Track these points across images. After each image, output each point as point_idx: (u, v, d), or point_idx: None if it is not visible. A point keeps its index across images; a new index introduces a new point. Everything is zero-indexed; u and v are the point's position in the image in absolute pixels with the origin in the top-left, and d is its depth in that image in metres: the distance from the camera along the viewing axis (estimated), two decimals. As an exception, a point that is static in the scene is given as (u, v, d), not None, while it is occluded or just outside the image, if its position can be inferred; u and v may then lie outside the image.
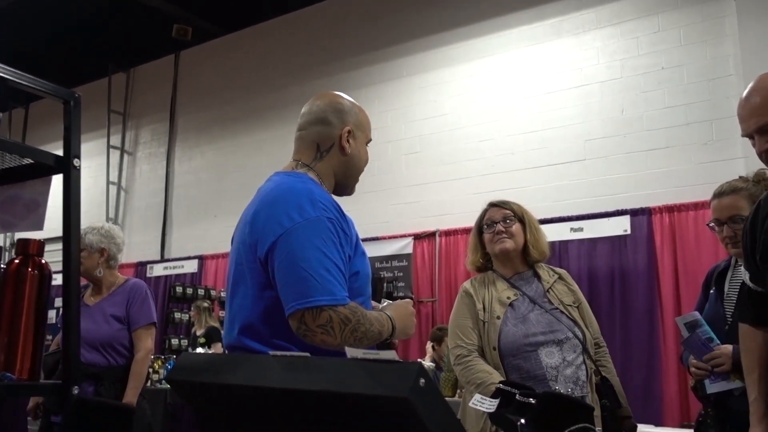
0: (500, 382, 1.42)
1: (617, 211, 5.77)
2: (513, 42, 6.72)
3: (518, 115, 6.52)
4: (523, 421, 1.19)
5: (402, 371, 0.95)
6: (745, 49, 5.39)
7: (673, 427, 4.36)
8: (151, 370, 5.43)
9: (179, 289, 7.76)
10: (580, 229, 5.90)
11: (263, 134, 8.25)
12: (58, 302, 2.02)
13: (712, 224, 2.32)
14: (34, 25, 8.33)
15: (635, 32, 6.06)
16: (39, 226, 1.37)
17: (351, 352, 1.10)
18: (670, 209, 5.55)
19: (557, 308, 2.45)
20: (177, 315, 7.79)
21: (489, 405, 1.39)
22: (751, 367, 1.84)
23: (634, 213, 5.70)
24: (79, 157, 1.27)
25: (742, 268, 1.89)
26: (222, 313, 7.34)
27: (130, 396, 2.99)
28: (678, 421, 4.90)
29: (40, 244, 1.33)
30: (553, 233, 5.42)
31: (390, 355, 1.02)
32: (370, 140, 1.86)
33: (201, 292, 7.73)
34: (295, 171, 1.74)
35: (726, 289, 2.28)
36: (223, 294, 7.61)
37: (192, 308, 7.26)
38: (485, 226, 2.59)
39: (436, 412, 0.94)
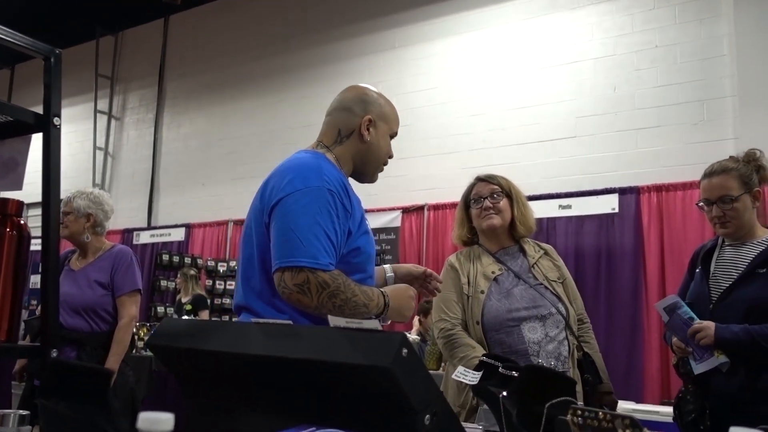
0: (483, 355, 1.42)
1: (606, 189, 5.78)
2: (508, 15, 6.66)
3: (510, 90, 6.49)
4: (505, 393, 1.18)
5: (385, 341, 0.94)
6: (739, 29, 5.36)
7: (653, 404, 4.41)
8: (136, 337, 5.41)
9: (166, 257, 7.74)
10: (569, 207, 5.92)
11: (253, 102, 8.17)
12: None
13: (701, 204, 2.32)
14: (20, -16, 8.17)
15: (630, 9, 6.01)
16: (18, 185, 1.34)
17: (334, 321, 1.09)
18: (659, 188, 5.57)
19: (541, 284, 2.45)
20: (163, 283, 7.78)
21: (472, 377, 1.39)
22: None
23: (622, 191, 5.71)
24: (59, 116, 1.24)
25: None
26: (208, 282, 7.34)
27: (112, 362, 2.98)
28: (659, 398, 4.96)
29: (19, 204, 1.30)
30: (541, 210, 5.41)
31: (373, 324, 1.01)
32: (395, 133, 1.92)
33: (188, 260, 7.71)
34: (315, 150, 1.82)
35: (712, 268, 2.28)
36: (210, 263, 7.59)
37: (179, 275, 7.24)
38: (472, 201, 2.58)
39: (418, 383, 0.93)
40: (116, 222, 8.56)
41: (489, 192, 2.53)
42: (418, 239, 6.74)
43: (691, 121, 5.58)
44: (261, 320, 1.15)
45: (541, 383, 1.13)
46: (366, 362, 0.92)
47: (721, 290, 2.20)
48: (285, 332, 1.10)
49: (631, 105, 5.87)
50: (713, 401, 2.15)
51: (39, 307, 3.55)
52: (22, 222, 1.30)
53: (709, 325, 2.12)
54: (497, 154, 6.27)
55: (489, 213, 2.51)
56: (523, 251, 2.56)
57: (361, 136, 1.83)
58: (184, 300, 6.82)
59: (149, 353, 5.67)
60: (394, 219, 6.83)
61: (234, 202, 7.82)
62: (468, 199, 2.61)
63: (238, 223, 7.85)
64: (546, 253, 2.60)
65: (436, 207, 6.66)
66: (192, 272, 7.05)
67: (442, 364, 4.71)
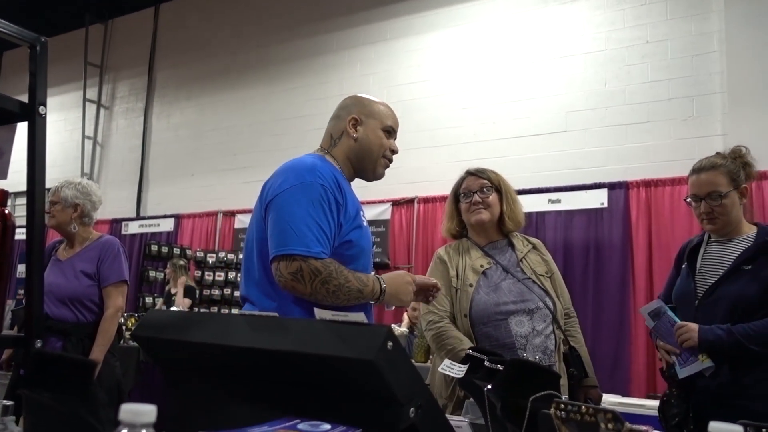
0: (470, 348, 1.42)
1: (595, 184, 5.80)
2: (500, 9, 6.65)
3: (501, 84, 6.48)
4: (489, 386, 1.19)
5: (369, 334, 0.94)
6: (729, 26, 5.38)
7: (639, 397, 4.44)
8: (124, 327, 5.40)
9: (154, 248, 7.69)
10: (558, 201, 5.93)
11: (244, 92, 8.13)
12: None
13: (689, 200, 2.32)
14: (9, -29, 8.07)
15: (621, 4, 6.02)
16: (3, 174, 1.33)
17: (319, 313, 1.09)
18: (647, 184, 5.59)
19: (529, 278, 2.46)
20: (152, 273, 7.74)
21: (458, 370, 1.39)
22: None
23: (611, 186, 5.73)
24: (44, 105, 1.22)
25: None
26: (197, 273, 7.32)
27: (97, 353, 2.96)
28: (645, 392, 4.99)
29: (4, 194, 1.29)
30: (530, 204, 5.45)
31: (358, 317, 1.02)
32: (390, 127, 1.99)
33: (176, 251, 7.67)
34: (314, 153, 1.95)
35: (698, 264, 2.29)
36: (199, 254, 7.57)
37: (168, 266, 7.21)
38: (462, 195, 2.58)
39: (402, 376, 0.93)
40: (105, 212, 8.48)
41: (479, 186, 2.54)
42: (408, 232, 6.74)
43: (680, 117, 5.60)
44: (247, 312, 1.15)
45: (525, 377, 1.13)
46: (350, 355, 0.92)
47: (707, 287, 2.21)
48: (271, 324, 1.10)
49: (622, 100, 5.88)
50: (697, 399, 2.16)
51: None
52: (6, 211, 1.29)
53: (693, 327, 2.13)
54: (488, 148, 6.27)
55: (478, 208, 2.51)
56: (511, 245, 2.57)
57: (349, 135, 1.94)
58: (173, 291, 6.80)
59: (137, 344, 5.66)
60: (384, 211, 6.82)
61: (223, 192, 7.78)
62: (458, 193, 2.61)
63: (227, 213, 7.82)
64: (534, 247, 2.61)
65: (426, 200, 6.66)
66: (181, 263, 7.02)
67: (430, 357, 4.71)
